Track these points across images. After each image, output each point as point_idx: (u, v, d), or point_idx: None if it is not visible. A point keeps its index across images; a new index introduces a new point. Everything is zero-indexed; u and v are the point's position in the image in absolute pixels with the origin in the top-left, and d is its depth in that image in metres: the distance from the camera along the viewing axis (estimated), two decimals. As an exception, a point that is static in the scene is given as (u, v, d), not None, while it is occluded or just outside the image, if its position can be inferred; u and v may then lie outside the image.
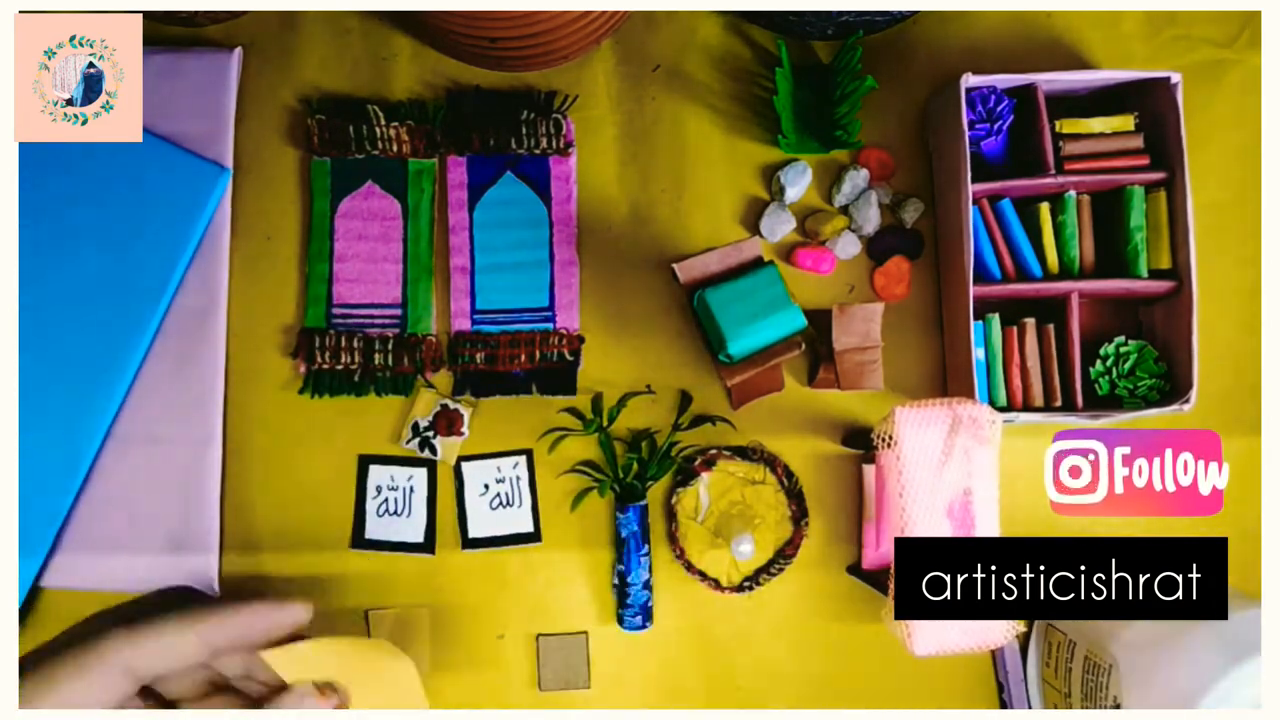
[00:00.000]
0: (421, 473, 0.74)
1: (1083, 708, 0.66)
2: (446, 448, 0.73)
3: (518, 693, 0.73)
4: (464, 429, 0.73)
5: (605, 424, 0.74)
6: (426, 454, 0.73)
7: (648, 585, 0.72)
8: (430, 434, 0.73)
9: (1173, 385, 0.71)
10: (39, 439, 0.71)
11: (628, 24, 0.76)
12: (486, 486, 0.74)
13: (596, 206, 0.76)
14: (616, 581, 0.72)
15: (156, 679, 0.47)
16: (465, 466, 0.73)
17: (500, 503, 0.74)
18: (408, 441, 0.73)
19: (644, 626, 0.72)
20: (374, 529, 0.73)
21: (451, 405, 0.73)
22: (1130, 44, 0.78)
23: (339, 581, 0.73)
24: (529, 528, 0.73)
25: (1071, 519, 0.63)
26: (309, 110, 0.75)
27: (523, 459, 0.74)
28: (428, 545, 0.73)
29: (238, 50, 0.75)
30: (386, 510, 0.73)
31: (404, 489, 0.74)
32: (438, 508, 0.73)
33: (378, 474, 0.74)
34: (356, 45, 0.76)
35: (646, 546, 0.72)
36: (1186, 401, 0.68)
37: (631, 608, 0.72)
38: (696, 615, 0.74)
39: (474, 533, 0.73)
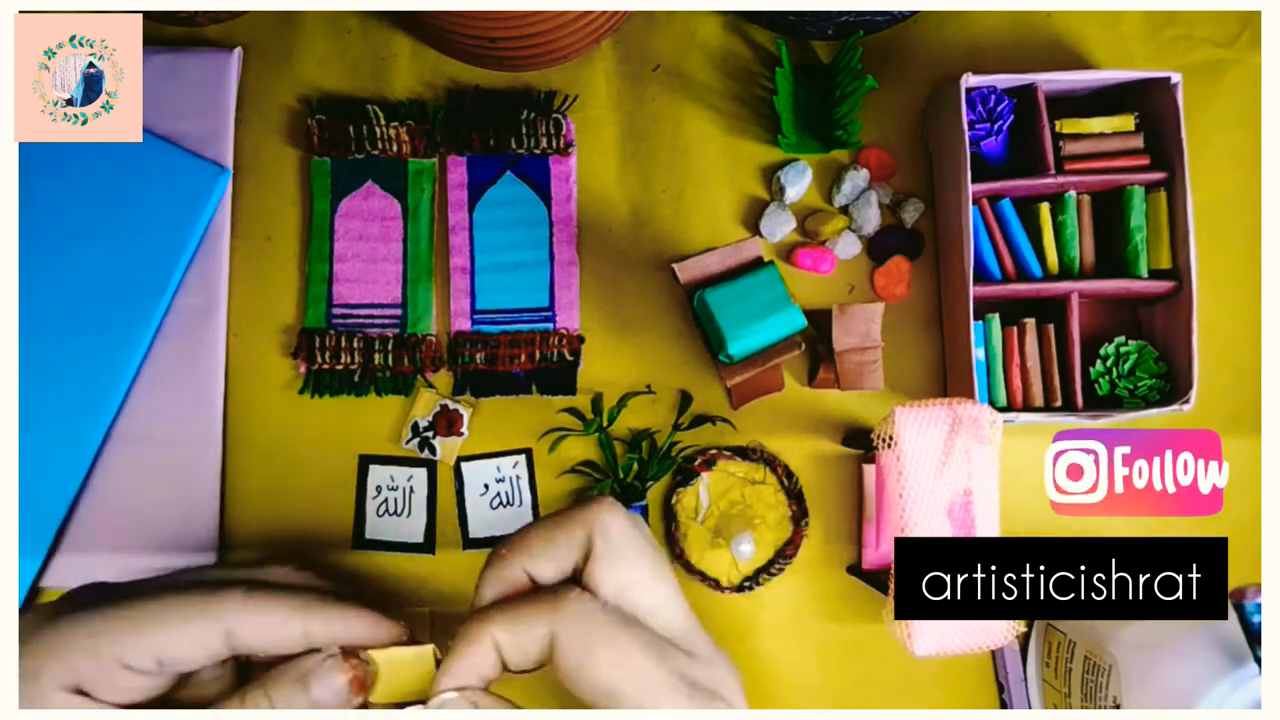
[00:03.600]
0: (421, 473, 0.74)
1: (1083, 708, 0.66)
2: (446, 448, 0.73)
3: (518, 693, 0.73)
4: (464, 429, 0.73)
5: (605, 424, 0.74)
6: (426, 454, 0.73)
7: None
8: (430, 434, 0.73)
9: (1173, 385, 0.71)
10: (39, 439, 0.70)
11: (628, 24, 0.76)
12: (486, 486, 0.74)
13: (596, 206, 0.76)
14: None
15: (250, 652, 0.47)
16: (465, 466, 0.74)
17: (501, 502, 0.74)
18: (407, 442, 0.73)
19: None
20: (374, 529, 0.73)
21: (451, 405, 0.73)
22: (1130, 44, 0.78)
23: (339, 581, 0.73)
24: None
25: (1071, 519, 0.63)
26: (309, 110, 0.75)
27: (522, 458, 0.74)
28: (428, 545, 0.73)
29: (237, 50, 0.75)
30: (387, 510, 0.73)
31: (404, 489, 0.74)
32: (438, 508, 0.74)
33: (378, 474, 0.74)
34: (356, 45, 0.76)
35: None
36: (1186, 402, 0.68)
37: None
38: (696, 615, 0.74)
39: (475, 533, 0.73)
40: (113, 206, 0.73)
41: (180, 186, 0.73)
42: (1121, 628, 0.64)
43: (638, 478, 0.73)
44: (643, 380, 0.75)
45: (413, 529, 0.73)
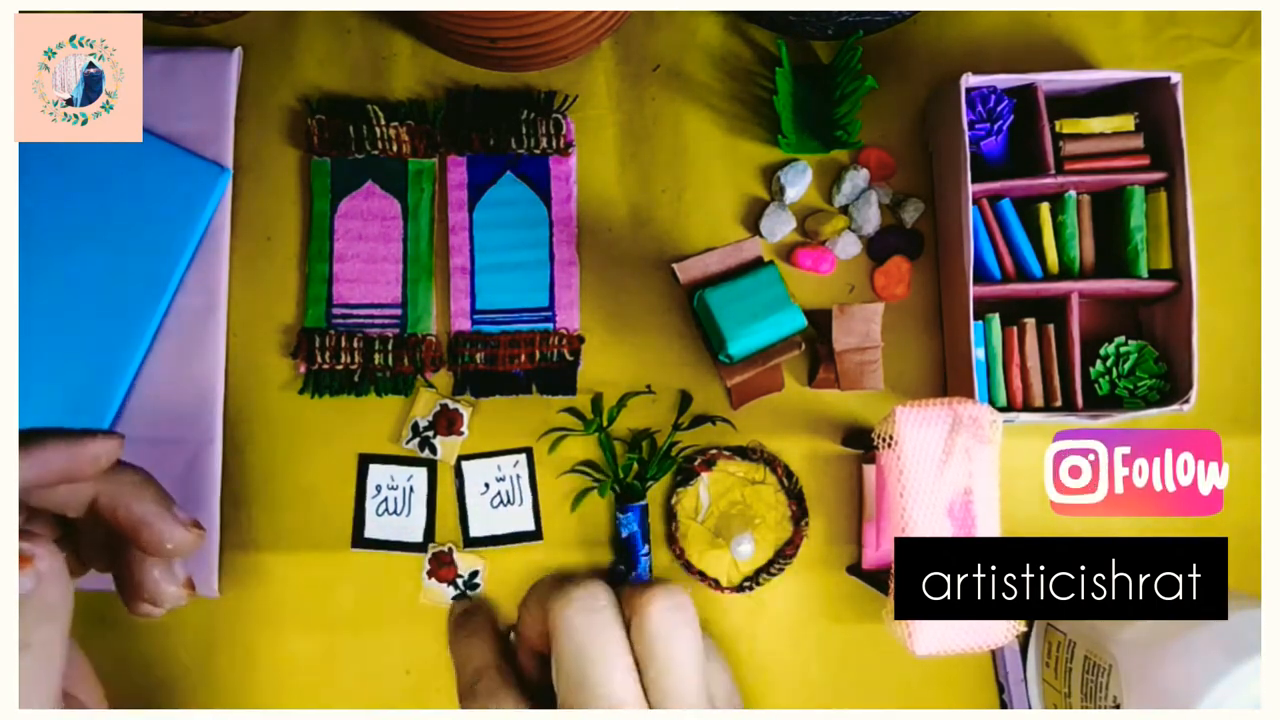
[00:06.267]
0: (421, 472, 0.74)
1: (1083, 708, 0.66)
2: (447, 447, 0.73)
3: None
4: (464, 428, 0.73)
5: (605, 424, 0.74)
6: (427, 454, 0.73)
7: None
8: (430, 434, 0.73)
9: (1173, 385, 0.71)
10: None
11: (628, 24, 0.76)
12: (487, 485, 0.74)
13: (596, 206, 0.76)
14: (617, 582, 0.72)
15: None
16: (465, 465, 0.74)
17: (501, 501, 0.74)
18: (408, 441, 0.73)
19: None
20: (374, 528, 0.73)
21: (451, 405, 0.73)
22: (1130, 44, 0.77)
23: (339, 581, 0.73)
24: (530, 526, 0.74)
25: (1071, 519, 0.63)
26: (309, 110, 0.75)
27: (523, 457, 0.74)
28: (427, 544, 0.73)
29: (237, 50, 0.75)
30: (386, 510, 0.73)
31: (404, 488, 0.74)
32: (438, 507, 0.74)
33: (377, 473, 0.74)
34: (356, 45, 0.76)
35: (646, 546, 0.72)
36: (1186, 402, 0.68)
37: None
38: (696, 608, 0.74)
39: (475, 531, 0.73)
40: (113, 206, 0.73)
41: (180, 186, 0.73)
42: (1122, 627, 0.64)
43: (638, 477, 0.73)
44: (643, 380, 0.75)
45: (412, 528, 0.73)
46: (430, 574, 0.73)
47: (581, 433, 0.74)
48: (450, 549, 0.73)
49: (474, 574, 0.73)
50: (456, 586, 0.73)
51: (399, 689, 0.73)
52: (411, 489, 0.74)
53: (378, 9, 0.76)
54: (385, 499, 0.74)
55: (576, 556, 0.74)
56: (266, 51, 0.76)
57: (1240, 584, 0.61)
